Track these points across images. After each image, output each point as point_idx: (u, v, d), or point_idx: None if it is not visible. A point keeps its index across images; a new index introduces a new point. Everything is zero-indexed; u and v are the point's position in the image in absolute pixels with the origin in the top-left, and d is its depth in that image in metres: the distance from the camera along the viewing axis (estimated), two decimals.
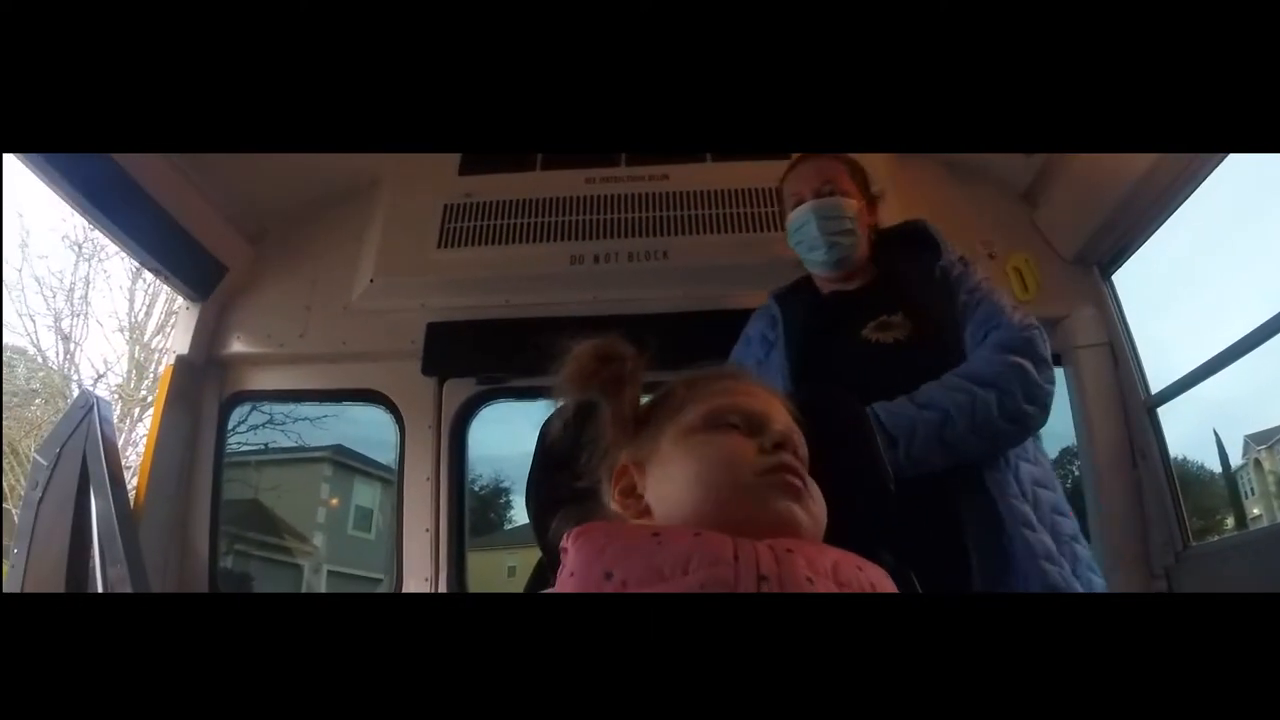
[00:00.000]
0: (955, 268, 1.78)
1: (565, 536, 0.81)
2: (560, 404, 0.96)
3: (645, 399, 0.94)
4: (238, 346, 2.51)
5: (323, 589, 5.91)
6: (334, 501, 7.30)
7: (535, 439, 1.04)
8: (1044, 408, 1.60)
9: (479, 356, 2.43)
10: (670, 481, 0.85)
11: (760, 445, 0.84)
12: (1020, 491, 1.57)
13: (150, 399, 10.33)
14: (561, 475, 0.96)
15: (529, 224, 2.46)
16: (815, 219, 1.79)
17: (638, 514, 0.85)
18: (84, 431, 1.97)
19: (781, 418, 0.88)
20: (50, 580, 1.78)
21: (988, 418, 1.53)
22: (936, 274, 1.77)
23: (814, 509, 0.83)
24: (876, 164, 2.38)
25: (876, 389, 1.57)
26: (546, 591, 0.83)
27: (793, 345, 1.77)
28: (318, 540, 6.69)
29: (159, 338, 11.40)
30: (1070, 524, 1.61)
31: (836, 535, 0.85)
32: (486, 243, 2.45)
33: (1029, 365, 1.58)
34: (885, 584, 0.79)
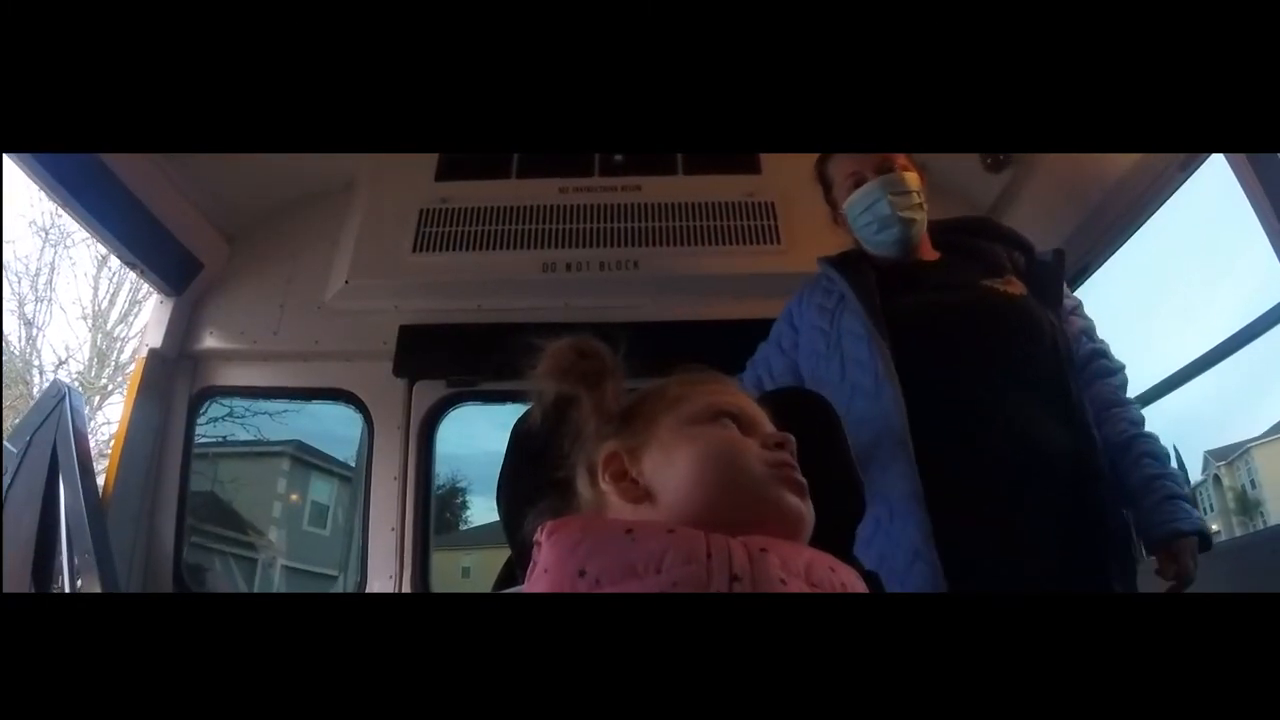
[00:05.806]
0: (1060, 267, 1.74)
1: (539, 530, 0.81)
2: (538, 396, 0.96)
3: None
4: (211, 342, 2.52)
5: (277, 584, 5.86)
6: (294, 497, 7.22)
7: (499, 439, 1.06)
8: None
9: (450, 359, 2.46)
10: (672, 467, 0.85)
11: (763, 442, 0.85)
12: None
13: (111, 387, 10.17)
14: (535, 469, 0.96)
15: (503, 231, 2.49)
16: (886, 195, 1.67)
17: (635, 498, 0.85)
18: (54, 421, 1.98)
19: (770, 422, 0.89)
20: (16, 568, 1.78)
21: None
22: (1050, 258, 1.72)
23: (811, 510, 0.84)
24: None
25: (981, 342, 1.55)
26: (520, 590, 0.83)
27: (869, 301, 1.62)
28: (273, 535, 6.61)
29: (121, 326, 11.21)
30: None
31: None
32: (461, 248, 2.48)
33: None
34: (857, 586, 0.80)
